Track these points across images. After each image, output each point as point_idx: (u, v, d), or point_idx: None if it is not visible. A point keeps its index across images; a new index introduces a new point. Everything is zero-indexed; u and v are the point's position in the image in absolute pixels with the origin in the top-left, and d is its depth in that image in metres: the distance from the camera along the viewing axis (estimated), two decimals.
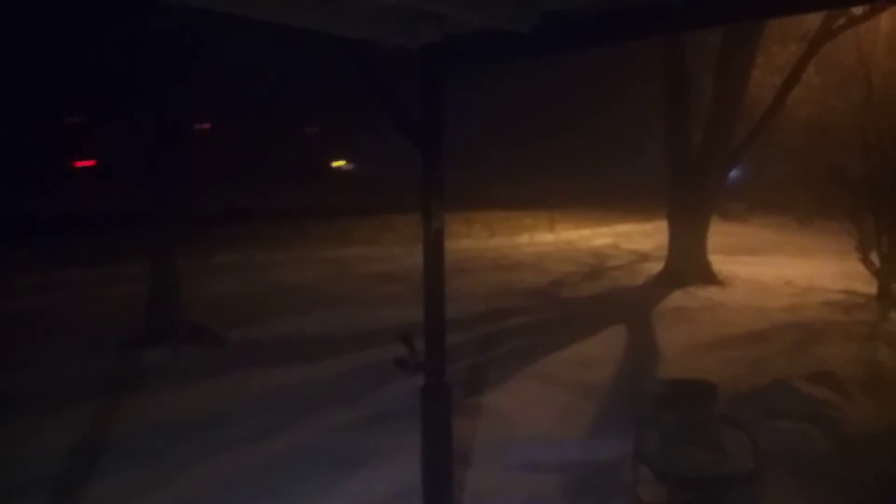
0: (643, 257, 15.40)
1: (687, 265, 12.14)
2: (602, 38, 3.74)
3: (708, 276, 12.03)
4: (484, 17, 3.49)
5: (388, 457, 4.87)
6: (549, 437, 5.32)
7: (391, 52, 4.28)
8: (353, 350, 7.84)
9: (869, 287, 10.60)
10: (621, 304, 10.50)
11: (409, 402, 4.56)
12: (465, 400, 5.85)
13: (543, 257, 15.68)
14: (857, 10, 9.87)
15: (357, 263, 14.25)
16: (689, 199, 12.19)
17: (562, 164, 34.34)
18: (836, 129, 10.88)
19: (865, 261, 10.60)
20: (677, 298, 10.65)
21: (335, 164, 36.45)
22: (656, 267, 13.02)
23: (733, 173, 16.13)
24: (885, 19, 10.29)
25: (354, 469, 4.73)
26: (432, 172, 4.19)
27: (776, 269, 13.24)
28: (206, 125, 28.46)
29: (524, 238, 19.08)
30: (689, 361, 7.09)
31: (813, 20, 10.51)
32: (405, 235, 16.70)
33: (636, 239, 19.26)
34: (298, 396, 6.30)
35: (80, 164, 26.45)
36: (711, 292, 11.11)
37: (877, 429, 5.12)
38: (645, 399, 5.26)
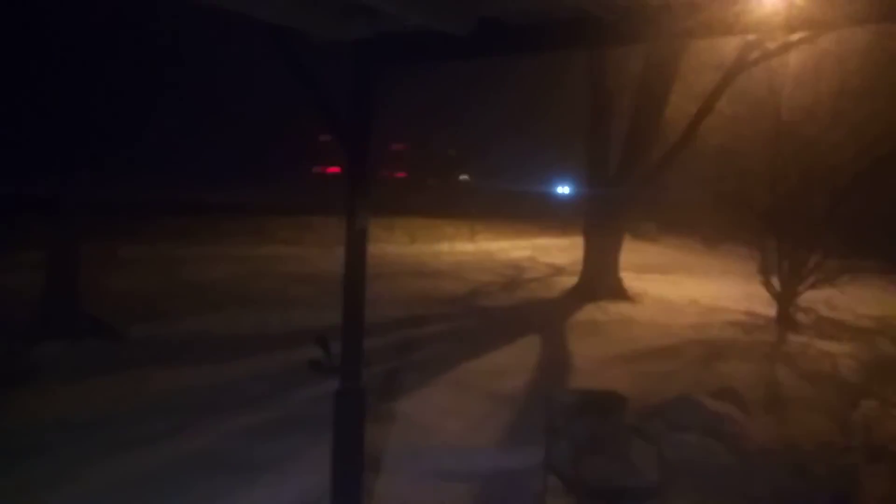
0: (559, 271, 15.72)
1: (600, 280, 12.48)
2: (536, 46, 3.76)
3: (619, 292, 12.40)
4: (422, 16, 3.43)
5: (296, 462, 4.70)
6: (461, 446, 5.28)
7: (324, 46, 4.16)
8: (263, 351, 7.58)
9: (769, 309, 11.17)
10: (536, 315, 10.64)
11: (322, 407, 4.42)
12: (378, 405, 5.73)
13: (463, 266, 15.75)
14: (772, 45, 10.42)
15: (275, 263, 13.86)
16: (605, 217, 12.54)
17: (484, 174, 34.81)
18: (745, 158, 11.43)
19: (767, 284, 11.16)
20: (590, 312, 10.89)
21: (461, 177, 43.26)
22: (571, 281, 13.30)
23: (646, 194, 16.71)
24: (794, 55, 10.90)
25: (259, 474, 4.53)
26: (358, 170, 4.08)
27: (683, 289, 13.78)
28: (404, 146, 38.02)
29: (444, 246, 19.13)
30: (600, 373, 7.23)
31: (729, 52, 11.02)
32: (324, 237, 16.40)
33: (553, 253, 19.66)
34: (202, 397, 6.00)
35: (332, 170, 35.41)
36: (622, 307, 11.43)
37: (775, 444, 5.35)
38: (557, 410, 5.31)
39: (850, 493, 4.59)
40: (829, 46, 10.48)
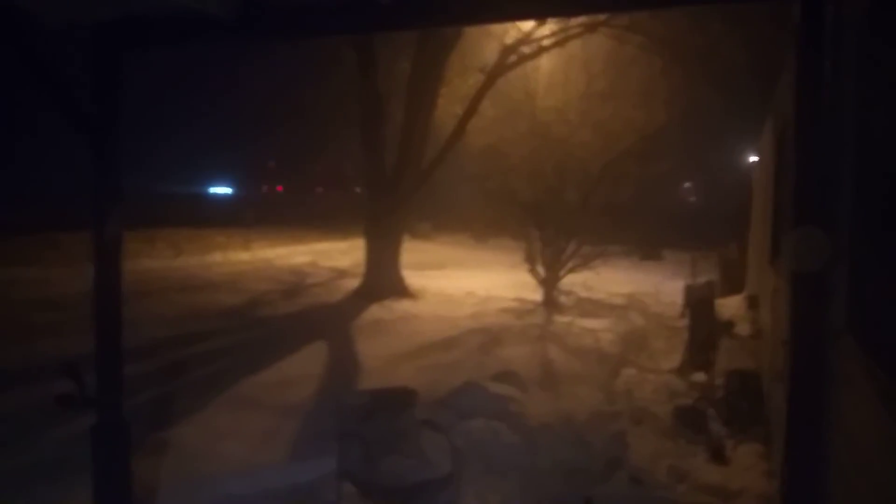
0: (341, 274, 15.57)
1: (382, 280, 12.58)
2: (306, 30, 3.56)
3: (402, 290, 12.60)
4: None
5: None
6: (248, 467, 4.89)
7: (62, 28, 3.58)
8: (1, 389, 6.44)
9: (536, 295, 12.06)
10: (321, 320, 10.38)
11: (79, 446, 3.81)
12: (148, 436, 5.11)
13: (239, 277, 14.93)
14: (526, 49, 11.23)
15: (9, 287, 11.95)
16: (384, 218, 12.65)
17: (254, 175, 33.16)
18: (507, 157, 12.22)
19: (533, 271, 12.05)
20: (375, 312, 10.90)
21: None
22: (354, 283, 13.24)
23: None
24: (546, 60, 11.88)
25: None
26: (107, 170, 3.57)
27: (460, 282, 14.38)
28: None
29: (216, 257, 18.01)
30: (389, 371, 7.21)
31: (489, 56, 11.69)
32: (72, 255, 14.53)
33: (334, 256, 19.47)
34: None
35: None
36: (405, 305, 11.61)
37: (553, 419, 5.70)
38: (348, 413, 5.16)
39: (621, 457, 5.01)
40: (575, 52, 11.57)
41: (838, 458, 2.73)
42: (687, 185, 32.82)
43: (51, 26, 3.55)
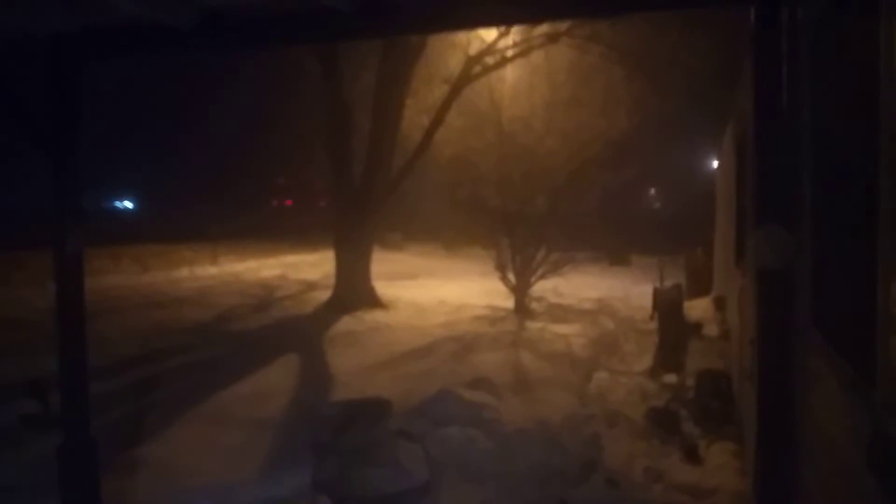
0: (312, 286, 15.45)
1: (353, 291, 12.51)
2: (267, 41, 3.54)
3: (373, 301, 12.55)
4: (137, 6, 3.02)
5: None
6: (221, 483, 4.81)
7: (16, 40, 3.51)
8: None
9: (508, 302, 12.11)
10: (292, 333, 10.28)
11: (45, 467, 3.71)
12: (116, 456, 4.99)
13: (207, 291, 14.71)
14: (490, 60, 11.33)
15: None
16: (353, 229, 12.61)
17: (219, 191, 32.01)
18: (475, 166, 12.29)
19: (504, 279, 12.10)
20: (346, 323, 10.82)
21: None
22: (325, 295, 13.14)
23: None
24: (510, 70, 12.00)
25: None
26: (66, 183, 3.50)
27: (431, 291, 14.37)
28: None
29: (184, 272, 17.75)
30: (362, 382, 7.16)
31: (454, 66, 11.77)
32: (36, 273, 14.19)
33: (304, 269, 19.31)
34: None
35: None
36: (377, 315, 11.56)
37: (527, 423, 5.71)
38: (322, 425, 5.11)
39: (596, 459, 5.04)
40: (539, 62, 11.70)
41: (810, 453, 2.78)
42: (652, 191, 33.36)
43: (6, 38, 3.48)
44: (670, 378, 7.24)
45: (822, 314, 2.67)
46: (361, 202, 12.55)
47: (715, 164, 14.03)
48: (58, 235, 3.46)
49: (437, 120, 11.63)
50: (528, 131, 11.74)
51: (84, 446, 3.48)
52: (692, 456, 5.14)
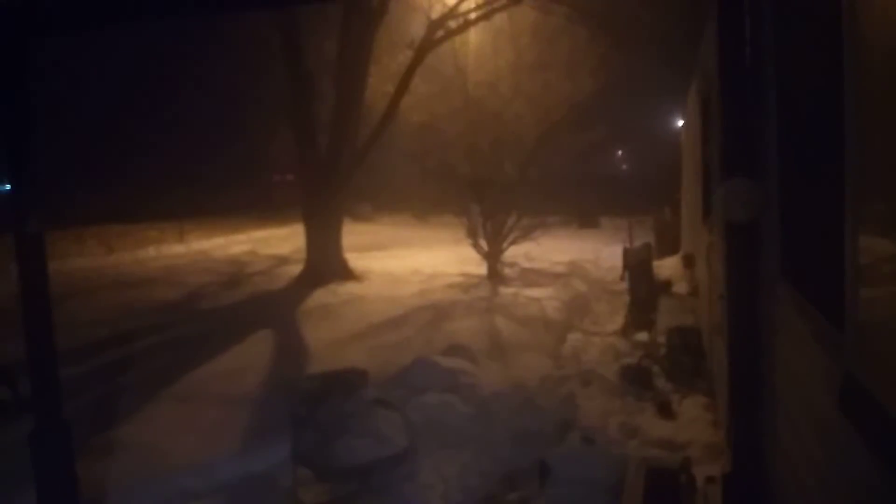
0: (283, 261, 15.31)
1: (325, 264, 12.41)
2: (225, 5, 3.43)
3: (346, 273, 12.48)
4: None
5: None
6: (200, 460, 4.78)
7: None
8: None
9: (481, 268, 12.15)
10: (265, 308, 10.20)
11: (17, 455, 3.64)
12: (91, 439, 4.94)
13: (175, 270, 14.50)
14: (453, 23, 11.16)
15: None
16: (322, 201, 12.46)
17: (179, 168, 30.13)
18: (443, 133, 12.19)
19: (476, 246, 12.11)
20: (320, 296, 10.77)
21: None
22: (297, 269, 13.03)
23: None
24: (474, 34, 11.84)
25: None
26: (24, 161, 3.38)
27: (404, 261, 14.35)
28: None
29: (150, 251, 17.44)
30: (338, 354, 7.14)
31: (416, 31, 11.57)
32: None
33: (274, 243, 19.11)
34: None
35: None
36: (350, 287, 11.51)
37: (504, 387, 5.77)
38: (299, 398, 5.10)
39: (572, 419, 5.12)
40: (502, 25, 11.55)
41: (781, 402, 2.85)
42: (619, 153, 33.52)
43: None
44: (642, 336, 7.36)
45: (790, 265, 2.71)
46: (329, 174, 12.39)
47: (680, 123, 14.12)
48: (19, 216, 3.35)
49: (402, 87, 11.46)
50: (495, 96, 11.66)
51: (56, 431, 3.41)
52: (665, 411, 5.25)
